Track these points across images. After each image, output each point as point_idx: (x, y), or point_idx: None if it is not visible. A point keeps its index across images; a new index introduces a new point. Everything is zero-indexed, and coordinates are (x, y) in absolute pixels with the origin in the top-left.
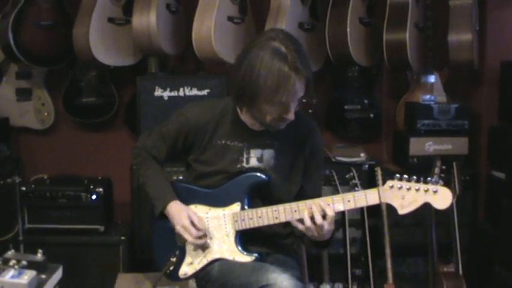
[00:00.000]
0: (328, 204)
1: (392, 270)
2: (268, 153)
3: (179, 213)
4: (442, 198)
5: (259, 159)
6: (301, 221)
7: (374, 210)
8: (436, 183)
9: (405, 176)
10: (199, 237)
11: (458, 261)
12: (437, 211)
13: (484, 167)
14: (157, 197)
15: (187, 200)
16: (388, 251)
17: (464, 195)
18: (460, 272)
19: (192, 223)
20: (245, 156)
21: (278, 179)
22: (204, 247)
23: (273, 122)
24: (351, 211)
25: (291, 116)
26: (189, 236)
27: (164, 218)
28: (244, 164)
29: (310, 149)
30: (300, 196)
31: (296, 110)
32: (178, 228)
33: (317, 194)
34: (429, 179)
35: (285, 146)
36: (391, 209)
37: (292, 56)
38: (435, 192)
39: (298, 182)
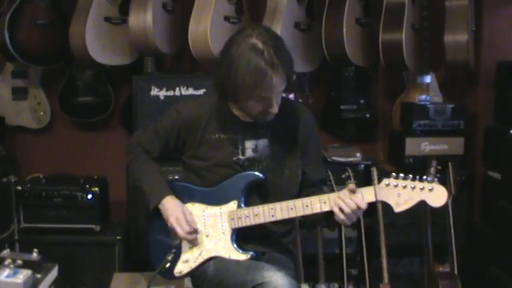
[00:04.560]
0: (325, 202)
1: (387, 270)
2: (262, 143)
3: (173, 207)
4: (437, 196)
5: (254, 150)
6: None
7: (369, 210)
8: (432, 181)
9: (401, 174)
10: (190, 234)
11: (453, 261)
12: (432, 211)
13: (480, 167)
14: (152, 192)
15: (184, 199)
16: (383, 251)
17: (460, 196)
18: (456, 272)
19: (185, 218)
20: (240, 148)
21: (276, 167)
22: (197, 244)
23: (259, 115)
24: None
25: (274, 110)
26: (180, 229)
27: (157, 213)
28: (240, 156)
29: (304, 131)
30: (304, 180)
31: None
32: (172, 220)
33: (319, 175)
34: (425, 177)
35: (279, 133)
36: (386, 209)
37: (268, 52)
38: (431, 190)
39: (297, 167)
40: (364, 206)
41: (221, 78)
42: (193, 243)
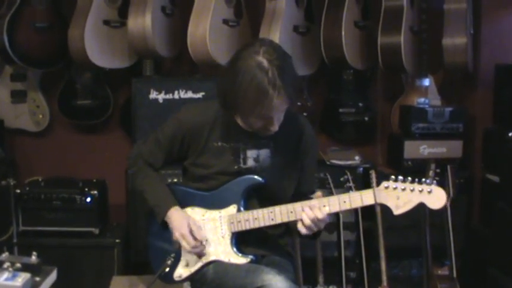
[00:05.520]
0: (324, 206)
1: (386, 272)
2: (264, 153)
3: (179, 220)
4: (436, 198)
5: (256, 160)
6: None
7: (368, 213)
8: (431, 183)
9: (400, 177)
10: (196, 248)
11: (452, 263)
12: (431, 214)
13: (479, 169)
14: (158, 204)
15: (183, 203)
16: (382, 253)
17: (459, 198)
18: (454, 274)
19: (191, 232)
20: (242, 157)
21: (275, 177)
22: (201, 254)
23: (260, 130)
24: (345, 214)
25: (274, 128)
26: (186, 244)
27: (166, 225)
28: (242, 165)
29: (305, 144)
30: (294, 191)
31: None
32: (177, 235)
33: (310, 189)
34: (423, 179)
35: (280, 145)
36: (385, 211)
37: (273, 72)
38: (430, 192)
39: (296, 179)
40: (320, 216)
41: (224, 90)
42: (200, 254)
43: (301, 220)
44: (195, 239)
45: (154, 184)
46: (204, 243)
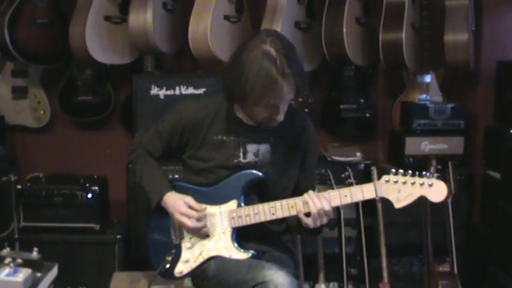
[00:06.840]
0: (325, 198)
1: (387, 269)
2: (264, 148)
3: (175, 201)
4: (437, 191)
5: (256, 154)
6: (306, 214)
7: (369, 209)
8: (431, 176)
9: (400, 170)
10: (199, 220)
11: (453, 260)
12: (432, 210)
13: (480, 167)
14: (153, 190)
15: None
16: (383, 250)
17: (460, 195)
18: (455, 271)
19: (190, 207)
20: (241, 151)
21: (274, 174)
22: (202, 237)
23: (264, 121)
24: (346, 210)
25: (280, 118)
26: (188, 220)
27: (161, 211)
28: (241, 159)
29: (306, 141)
30: (295, 188)
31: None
32: (177, 216)
33: (311, 186)
34: (424, 172)
35: (281, 141)
36: (386, 208)
37: (280, 60)
38: (430, 185)
39: (295, 177)
40: (327, 207)
41: (230, 82)
42: (205, 231)
43: (308, 209)
44: (196, 212)
45: (152, 172)
46: (205, 213)
